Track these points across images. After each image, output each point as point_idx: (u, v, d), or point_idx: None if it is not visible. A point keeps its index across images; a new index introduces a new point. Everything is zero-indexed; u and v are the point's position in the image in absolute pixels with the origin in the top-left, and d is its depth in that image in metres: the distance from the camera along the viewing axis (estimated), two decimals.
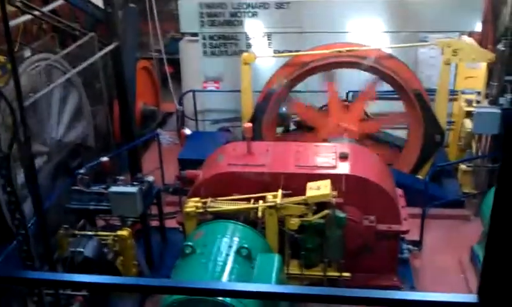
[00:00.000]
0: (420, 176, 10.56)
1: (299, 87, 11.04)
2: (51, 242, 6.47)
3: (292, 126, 11.49)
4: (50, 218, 7.12)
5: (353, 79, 11.27)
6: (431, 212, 9.63)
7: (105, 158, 8.48)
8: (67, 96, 10.47)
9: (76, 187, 8.08)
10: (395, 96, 10.88)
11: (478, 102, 10.86)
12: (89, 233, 7.39)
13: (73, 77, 10.26)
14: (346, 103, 11.10)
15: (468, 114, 10.72)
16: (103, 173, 8.52)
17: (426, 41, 11.62)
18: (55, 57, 10.13)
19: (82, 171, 8.24)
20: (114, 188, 7.73)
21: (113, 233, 7.46)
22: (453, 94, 11.59)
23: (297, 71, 10.48)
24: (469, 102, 10.90)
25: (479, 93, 11.14)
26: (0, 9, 4.13)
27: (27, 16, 12.00)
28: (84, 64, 9.85)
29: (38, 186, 4.72)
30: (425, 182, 9.32)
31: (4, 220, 8.84)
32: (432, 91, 10.81)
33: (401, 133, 11.49)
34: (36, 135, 8.81)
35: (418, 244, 9.18)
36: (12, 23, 4.59)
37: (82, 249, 7.02)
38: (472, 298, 2.60)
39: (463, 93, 11.35)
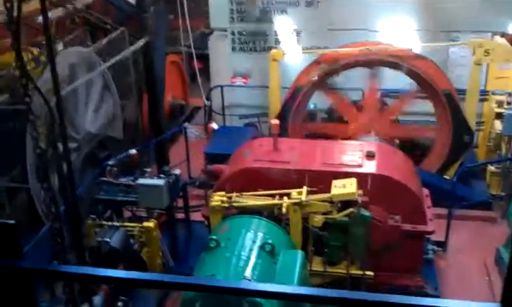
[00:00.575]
0: (447, 177, 10.46)
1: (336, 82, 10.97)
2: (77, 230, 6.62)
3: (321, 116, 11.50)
4: (79, 207, 7.27)
5: (385, 78, 11.18)
6: (457, 212, 9.54)
7: (133, 151, 8.61)
8: (98, 89, 10.66)
9: (105, 178, 8.22)
10: (423, 95, 10.77)
11: (509, 103, 10.71)
12: (116, 223, 7.51)
13: (104, 70, 10.43)
14: (381, 103, 11.00)
15: (499, 115, 10.58)
16: (131, 165, 8.66)
17: (457, 41, 11.48)
18: (87, 50, 10.31)
19: (111, 162, 8.38)
20: (141, 181, 7.86)
21: (139, 225, 7.58)
22: (483, 94, 11.43)
23: (326, 68, 10.44)
24: (500, 103, 10.75)
25: (510, 94, 10.96)
26: (40, 6, 4.21)
27: (60, 10, 12.25)
28: (116, 58, 10.00)
29: (72, 176, 4.83)
30: (453, 182, 9.22)
31: (33, 207, 9.09)
32: (462, 91, 10.69)
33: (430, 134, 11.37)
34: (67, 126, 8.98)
35: (443, 244, 9.10)
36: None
37: (108, 239, 7.14)
38: None
39: (494, 93, 11.17)
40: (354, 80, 11.04)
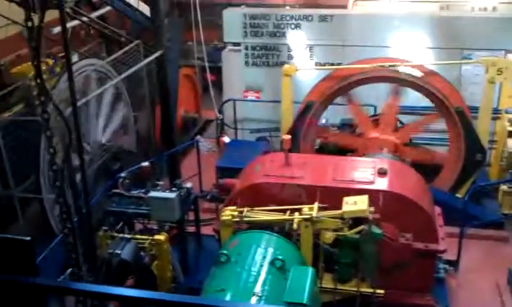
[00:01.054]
0: (459, 195, 10.40)
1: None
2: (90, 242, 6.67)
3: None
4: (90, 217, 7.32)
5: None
6: (469, 231, 9.48)
7: (146, 163, 8.66)
8: (112, 101, 10.75)
9: (117, 190, 8.26)
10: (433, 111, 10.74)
11: None
12: (127, 236, 7.54)
13: (118, 82, 10.53)
14: (377, 118, 10.94)
15: (511, 134, 10.52)
16: (143, 178, 8.70)
17: (470, 59, 11.47)
18: (102, 62, 10.41)
19: (123, 174, 8.42)
20: (153, 193, 7.89)
21: (150, 237, 7.60)
22: (496, 112, 11.39)
23: (338, 84, 10.45)
24: None
25: None
26: (60, 18, 4.27)
27: (76, 22, 12.41)
28: (131, 71, 10.10)
29: (86, 188, 4.88)
30: (465, 201, 9.17)
31: (46, 217, 9.16)
32: (475, 109, 10.65)
33: (442, 151, 11.32)
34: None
35: (455, 263, 9.04)
36: (59, 28, 4.80)
37: (119, 251, 7.17)
38: None
39: (507, 112, 11.13)
40: (366, 97, 11.04)
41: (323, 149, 11.16)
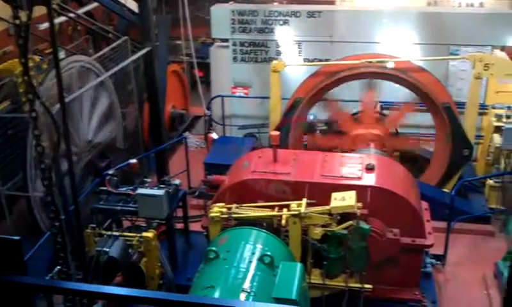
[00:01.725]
0: (446, 190, 10.48)
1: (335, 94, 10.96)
2: (77, 240, 6.65)
3: (319, 135, 11.48)
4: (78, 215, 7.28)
5: (385, 90, 11.21)
6: (456, 226, 9.58)
7: (133, 160, 8.63)
8: (98, 98, 10.70)
9: (104, 188, 8.23)
10: (423, 108, 10.82)
11: (508, 117, 10.75)
12: (115, 233, 7.51)
13: (105, 78, 10.47)
14: (379, 115, 11.01)
15: (498, 129, 10.62)
16: (130, 175, 8.67)
17: (457, 54, 11.55)
18: (89, 59, 10.35)
19: (110, 171, 8.39)
20: (141, 191, 7.87)
21: (138, 235, 7.58)
22: (483, 108, 11.49)
23: (326, 80, 10.48)
24: (499, 117, 10.80)
25: (509, 107, 11.01)
26: (47, 15, 4.24)
27: (63, 18, 12.32)
28: (118, 67, 10.04)
29: (75, 185, 4.86)
30: (452, 196, 9.25)
31: (33, 215, 9.11)
32: (461, 105, 10.74)
33: (429, 146, 11.41)
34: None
35: (442, 258, 9.12)
36: (46, 25, 4.75)
37: (107, 249, 7.13)
38: None
39: (493, 107, 11.23)
40: (356, 92, 11.07)
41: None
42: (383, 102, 11.78)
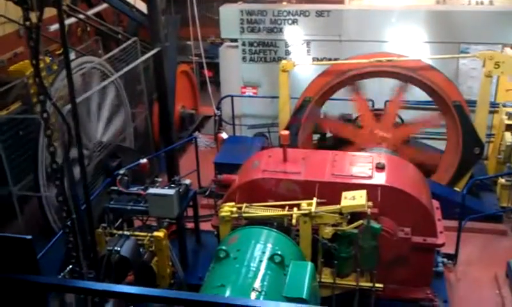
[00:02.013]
0: (457, 189, 10.43)
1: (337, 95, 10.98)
2: (88, 240, 6.69)
3: (329, 133, 11.45)
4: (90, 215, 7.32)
5: (390, 89, 11.20)
6: (467, 225, 9.52)
7: (144, 160, 8.66)
8: (109, 98, 10.75)
9: (115, 187, 8.26)
10: (433, 106, 10.78)
11: None
12: (126, 233, 7.54)
13: (116, 79, 10.52)
14: (378, 112, 10.98)
15: (509, 127, 10.56)
16: (141, 174, 8.71)
17: (468, 53, 11.49)
18: (99, 60, 10.40)
19: (121, 171, 8.42)
20: (152, 190, 7.89)
21: (149, 234, 7.61)
22: (494, 106, 11.42)
23: (336, 79, 10.46)
24: (510, 115, 10.73)
25: None
26: (58, 16, 4.26)
27: (73, 19, 12.40)
28: (127, 68, 10.09)
29: (87, 184, 4.89)
30: (463, 195, 9.20)
31: (45, 215, 9.17)
32: (472, 103, 10.68)
33: (440, 145, 11.36)
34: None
35: (453, 257, 9.08)
36: (57, 26, 4.79)
37: (118, 248, 7.17)
38: None
39: (504, 105, 11.17)
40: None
41: (321, 144, 11.20)
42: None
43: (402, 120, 11.03)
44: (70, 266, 5.12)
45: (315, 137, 11.47)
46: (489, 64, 10.10)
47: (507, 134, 10.58)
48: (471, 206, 9.87)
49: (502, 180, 10.73)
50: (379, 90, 11.06)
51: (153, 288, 7.40)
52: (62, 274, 5.97)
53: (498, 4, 15.31)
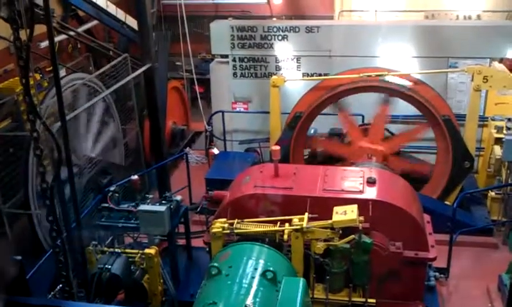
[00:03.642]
0: (448, 202, 10.47)
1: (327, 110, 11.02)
2: (79, 258, 6.64)
3: (320, 149, 11.47)
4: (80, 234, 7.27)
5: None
6: (458, 239, 9.55)
7: (135, 176, 8.63)
8: (99, 114, 10.72)
9: (106, 204, 8.22)
10: (423, 121, 10.84)
11: (508, 128, 10.75)
12: (117, 250, 7.49)
13: (107, 96, 10.50)
14: (365, 126, 11.04)
15: (498, 141, 10.63)
16: (132, 191, 8.67)
17: (456, 67, 11.59)
18: (89, 76, 10.39)
19: (112, 188, 8.39)
20: (143, 207, 7.87)
21: (140, 251, 7.56)
22: (483, 120, 11.51)
23: (326, 94, 10.51)
24: (499, 129, 10.80)
25: (509, 119, 11.02)
26: (48, 34, 4.26)
27: (63, 36, 12.40)
28: (118, 85, 10.08)
29: (76, 202, 4.87)
30: (453, 209, 9.24)
31: (35, 233, 9.10)
32: (462, 117, 10.76)
33: (430, 159, 11.42)
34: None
35: (445, 271, 9.09)
36: (47, 43, 4.79)
37: (109, 266, 7.12)
38: None
39: (493, 119, 11.25)
40: (353, 106, 11.10)
41: (312, 159, 11.22)
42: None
43: (391, 133, 11.08)
44: (60, 285, 5.07)
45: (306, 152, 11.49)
46: (477, 79, 10.20)
47: (497, 148, 10.65)
48: (462, 220, 9.91)
49: (492, 193, 10.79)
50: (370, 105, 11.11)
51: (145, 306, 7.37)
52: (52, 293, 5.91)
53: (485, 19, 15.53)
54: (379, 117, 10.45)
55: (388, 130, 11.08)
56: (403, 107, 10.77)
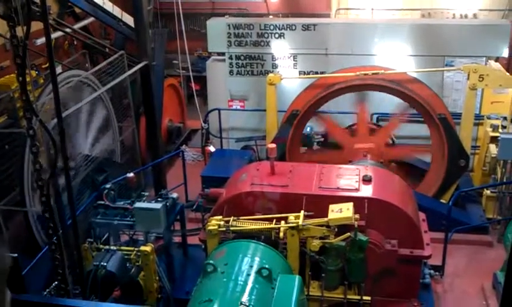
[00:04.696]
0: (443, 201, 10.50)
1: (327, 107, 10.99)
2: (75, 255, 6.63)
3: (316, 147, 11.50)
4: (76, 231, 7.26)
5: (380, 102, 11.29)
6: (453, 237, 9.59)
7: (131, 174, 8.63)
8: (95, 112, 10.71)
9: (102, 202, 8.22)
10: (419, 119, 10.87)
11: (504, 127, 10.79)
12: (113, 247, 7.49)
13: (103, 93, 10.48)
14: (374, 126, 11.06)
15: (494, 139, 10.66)
16: (128, 188, 8.67)
17: (452, 66, 11.62)
18: (85, 73, 10.37)
19: (108, 185, 8.38)
20: (138, 204, 7.87)
21: (136, 249, 7.56)
22: (478, 118, 11.54)
23: (322, 93, 10.52)
24: (494, 127, 10.84)
25: (505, 118, 11.07)
26: (44, 32, 4.25)
27: (59, 33, 12.37)
28: (114, 82, 10.07)
29: (72, 200, 4.86)
30: (449, 207, 9.27)
31: (30, 230, 9.09)
32: (457, 116, 10.78)
33: (426, 157, 11.45)
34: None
35: (440, 269, 9.12)
36: (43, 40, 4.77)
37: (105, 263, 7.12)
38: None
39: (489, 117, 11.28)
40: (341, 106, 11.12)
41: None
42: (380, 114, 11.87)
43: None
44: (56, 282, 5.07)
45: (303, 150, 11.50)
46: (473, 77, 10.22)
47: (492, 146, 10.68)
48: (457, 218, 9.95)
49: (487, 192, 10.83)
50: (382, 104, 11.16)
51: (141, 303, 7.37)
52: (48, 290, 5.90)
53: (482, 18, 15.56)
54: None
55: (377, 125, 11.08)
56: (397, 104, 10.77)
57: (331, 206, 6.80)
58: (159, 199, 8.14)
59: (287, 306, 5.57)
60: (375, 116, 12.14)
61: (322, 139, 11.51)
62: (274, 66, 12.72)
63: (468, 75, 10.28)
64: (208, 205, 8.40)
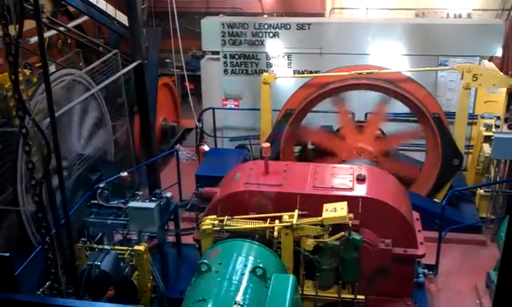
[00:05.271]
0: (437, 200, 10.52)
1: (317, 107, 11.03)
2: (68, 254, 6.61)
3: (310, 145, 11.49)
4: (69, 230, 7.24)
5: (370, 101, 11.29)
6: (447, 236, 9.62)
7: (124, 173, 8.60)
8: (89, 111, 10.67)
9: (95, 201, 8.19)
10: (414, 118, 10.89)
11: (497, 126, 10.83)
12: (107, 247, 7.47)
13: (96, 92, 10.45)
14: (360, 124, 11.07)
15: (487, 139, 10.68)
16: (122, 187, 8.64)
17: (446, 65, 11.64)
18: (79, 72, 10.33)
19: (102, 185, 8.36)
20: (132, 204, 7.84)
21: (130, 248, 7.54)
22: (472, 118, 11.57)
23: (316, 92, 10.52)
24: (488, 127, 10.86)
25: (498, 117, 11.10)
26: (37, 30, 4.23)
27: (53, 32, 12.31)
28: (108, 81, 10.03)
29: (66, 199, 4.84)
30: (442, 206, 9.29)
31: (23, 229, 9.05)
32: (451, 115, 10.81)
33: (420, 156, 11.48)
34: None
35: (434, 268, 9.14)
36: (36, 38, 4.77)
37: (99, 263, 7.10)
38: None
39: (482, 117, 11.31)
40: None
41: (303, 157, 11.23)
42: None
43: (383, 133, 11.10)
44: (49, 282, 5.05)
45: (297, 149, 11.50)
46: (467, 77, 10.24)
47: (486, 145, 10.70)
48: (451, 217, 9.98)
49: (480, 191, 10.86)
50: (359, 102, 11.14)
51: (135, 303, 7.35)
52: (41, 289, 5.88)
53: (475, 17, 15.61)
54: (376, 116, 10.49)
55: (380, 131, 11.09)
56: (394, 105, 10.78)
57: (326, 206, 6.81)
58: (153, 198, 8.12)
59: (281, 305, 5.58)
60: (368, 116, 12.12)
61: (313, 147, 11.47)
62: (269, 65, 12.70)
63: (462, 74, 10.30)
64: (203, 204, 8.39)
